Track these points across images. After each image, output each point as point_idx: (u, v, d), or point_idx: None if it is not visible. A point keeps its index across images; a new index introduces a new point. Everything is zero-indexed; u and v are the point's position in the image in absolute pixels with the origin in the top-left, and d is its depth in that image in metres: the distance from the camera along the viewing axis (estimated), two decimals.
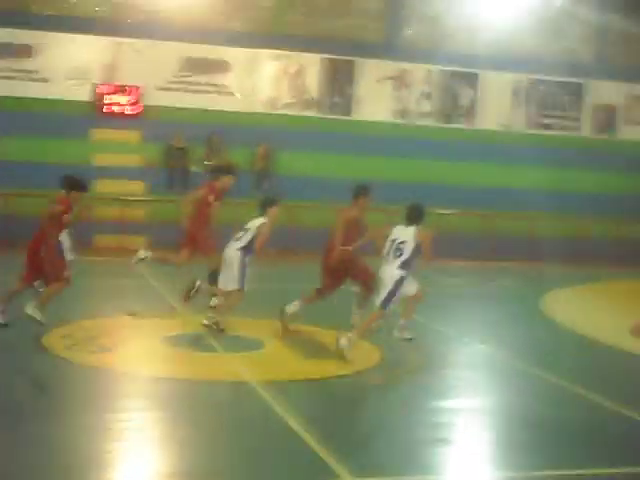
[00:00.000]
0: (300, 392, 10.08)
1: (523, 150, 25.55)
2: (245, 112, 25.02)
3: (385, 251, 11.82)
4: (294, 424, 8.55)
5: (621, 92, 27.84)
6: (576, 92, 27.57)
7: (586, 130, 27.79)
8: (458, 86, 26.83)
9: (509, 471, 7.95)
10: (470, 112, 26.80)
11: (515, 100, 27.07)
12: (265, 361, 11.29)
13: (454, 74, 26.79)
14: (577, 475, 7.86)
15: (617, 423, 9.60)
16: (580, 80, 27.61)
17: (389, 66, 26.13)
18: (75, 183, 12.00)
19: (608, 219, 24.04)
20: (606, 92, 27.67)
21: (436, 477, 7.68)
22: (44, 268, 11.85)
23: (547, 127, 27.40)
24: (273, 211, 12.65)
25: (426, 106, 26.56)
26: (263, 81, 25.54)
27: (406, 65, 26.22)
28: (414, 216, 11.98)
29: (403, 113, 26.31)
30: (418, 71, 26.45)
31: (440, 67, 26.60)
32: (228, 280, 12.30)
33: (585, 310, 17.17)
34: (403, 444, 8.41)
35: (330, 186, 22.69)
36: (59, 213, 11.80)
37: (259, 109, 25.44)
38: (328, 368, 10.92)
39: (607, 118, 27.87)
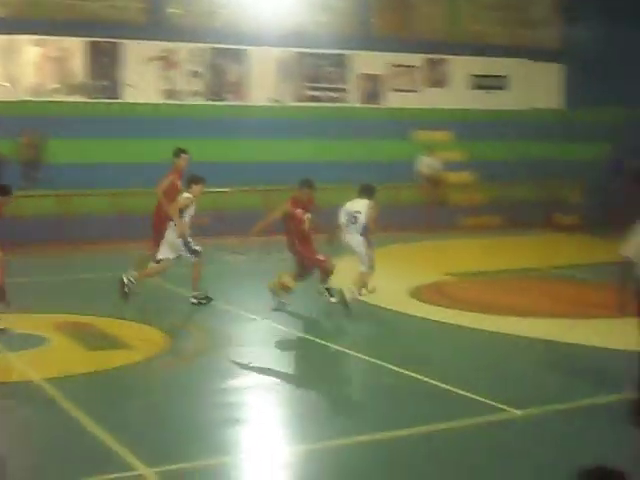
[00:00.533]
0: (88, 385, 9.89)
1: (294, 123, 25.92)
2: (7, 101, 24.07)
3: (343, 223, 13.96)
4: (84, 419, 8.39)
5: (384, 62, 28.61)
6: (341, 63, 28.12)
7: (353, 100, 28.41)
8: (226, 63, 26.82)
9: (303, 444, 8.08)
10: (239, 89, 26.87)
11: (283, 74, 27.32)
12: (49, 357, 10.99)
13: (221, 51, 26.74)
14: (376, 440, 8.08)
15: (405, 386, 9.94)
16: (344, 51, 28.15)
17: (155, 46, 25.79)
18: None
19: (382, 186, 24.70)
20: (370, 62, 28.37)
21: (232, 458, 7.72)
22: None
23: (315, 99, 27.82)
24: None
25: (195, 85, 26.42)
26: (25, 68, 24.66)
27: (172, 44, 25.96)
28: (367, 192, 14.23)
29: (172, 93, 26.08)
30: (185, 50, 26.24)
31: (207, 45, 26.48)
32: None
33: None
34: (196, 428, 8.40)
35: (105, 172, 22.31)
36: None
37: (23, 97, 24.55)
38: (115, 359, 10.77)
39: (372, 87, 28.60)
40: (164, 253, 13.90)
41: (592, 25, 29.91)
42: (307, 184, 14.06)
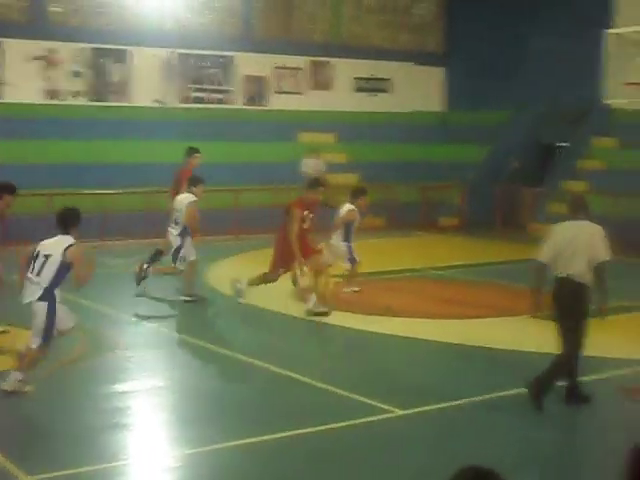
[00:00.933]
0: None
1: (178, 125, 25.79)
2: None
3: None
4: None
5: (268, 64, 28.68)
6: (225, 65, 28.08)
7: (238, 102, 28.41)
8: (108, 63, 26.51)
9: (187, 448, 8.11)
10: (122, 89, 26.59)
11: (166, 75, 27.13)
12: None
13: (103, 51, 26.41)
14: (260, 442, 8.16)
15: (288, 388, 10.06)
16: (229, 53, 28.11)
17: (37, 46, 25.34)
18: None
19: (262, 188, 24.81)
20: (254, 64, 28.41)
21: (116, 464, 7.70)
22: None
23: (199, 101, 27.71)
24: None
25: (77, 85, 26.03)
26: None
27: (53, 44, 25.53)
28: (356, 194, 15.65)
29: (54, 93, 25.65)
30: (66, 49, 25.84)
31: (88, 45, 26.12)
32: None
33: (248, 277, 17.66)
34: (79, 434, 8.36)
35: None
36: None
37: None
38: None
39: (257, 89, 28.65)
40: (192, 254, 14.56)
41: (475, 29, 30.62)
42: (315, 185, 14.42)
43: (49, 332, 9.21)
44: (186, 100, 27.46)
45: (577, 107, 26.82)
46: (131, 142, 24.84)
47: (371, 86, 30.70)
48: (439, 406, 9.26)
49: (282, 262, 14.07)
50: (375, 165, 27.65)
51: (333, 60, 29.84)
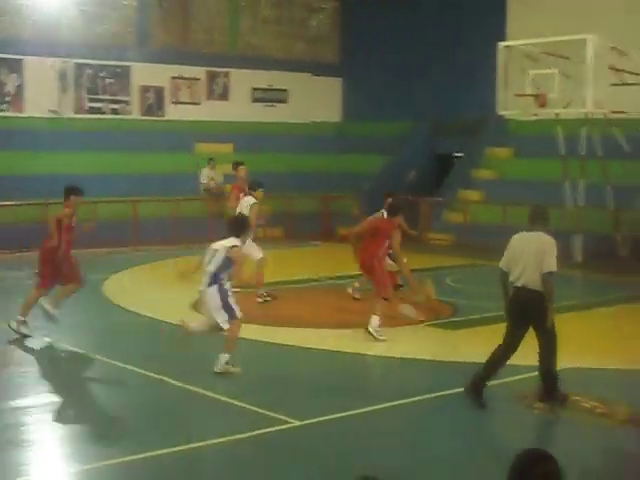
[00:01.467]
0: None
1: (74, 135, 25.49)
2: None
3: None
4: None
5: (165, 74, 28.53)
6: (122, 75, 27.84)
7: (135, 112, 28.19)
8: (3, 73, 26.06)
9: (84, 464, 8.01)
10: (17, 99, 26.16)
11: (61, 85, 26.77)
12: None
13: None
14: (159, 455, 8.11)
15: (187, 400, 10.02)
16: (125, 63, 27.88)
17: None
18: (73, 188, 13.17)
19: (160, 199, 24.67)
20: (151, 74, 28.23)
21: None
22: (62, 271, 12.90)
23: (96, 111, 27.41)
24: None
25: None
26: None
27: None
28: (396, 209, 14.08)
29: None
30: None
31: None
32: None
33: (147, 290, 17.55)
34: None
35: None
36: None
37: None
38: None
39: (154, 99, 28.46)
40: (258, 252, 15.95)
41: (371, 41, 30.95)
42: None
43: (229, 308, 10.75)
44: (82, 110, 27.14)
45: (472, 118, 27.35)
46: (24, 153, 24.43)
47: (269, 97, 30.80)
48: (337, 416, 9.32)
49: None
50: (273, 175, 27.64)
51: (230, 71, 29.86)
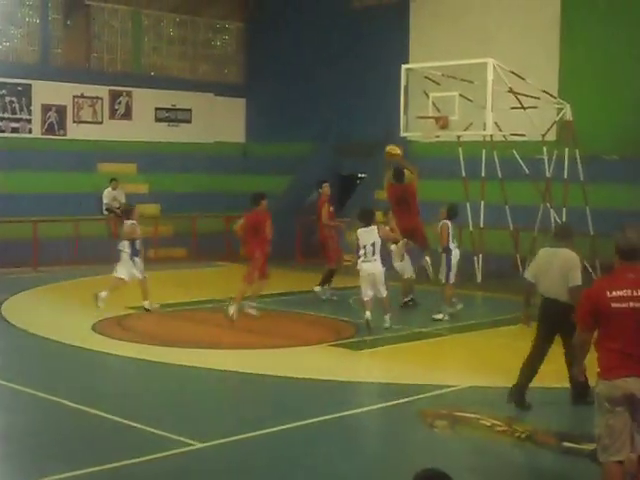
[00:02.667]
0: None
1: None
2: None
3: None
4: None
5: (67, 93, 28.15)
6: (23, 93, 27.39)
7: (36, 131, 27.74)
8: None
9: None
10: None
11: None
12: None
13: None
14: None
15: (87, 423, 9.87)
16: (28, 81, 27.45)
17: None
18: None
19: (61, 219, 24.31)
20: (53, 93, 27.84)
21: None
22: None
23: None
24: None
25: None
26: None
27: None
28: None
29: None
30: None
31: None
32: None
33: (47, 312, 17.26)
34: None
35: None
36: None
37: None
38: None
39: (56, 118, 28.05)
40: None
41: (274, 62, 31.09)
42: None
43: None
44: None
45: (375, 139, 27.60)
46: None
47: (172, 116, 30.64)
48: (239, 437, 9.29)
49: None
50: (177, 196, 27.62)
51: (133, 90, 29.61)
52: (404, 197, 17.44)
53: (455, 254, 16.43)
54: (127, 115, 29.60)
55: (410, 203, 17.46)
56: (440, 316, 16.18)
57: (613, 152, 23.41)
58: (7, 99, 27.17)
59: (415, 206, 17.64)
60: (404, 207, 17.41)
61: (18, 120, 27.43)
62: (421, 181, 25.74)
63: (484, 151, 21.08)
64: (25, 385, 11.30)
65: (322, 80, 29.60)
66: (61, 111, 28.22)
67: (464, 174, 21.56)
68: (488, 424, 9.68)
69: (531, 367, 10.45)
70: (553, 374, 10.73)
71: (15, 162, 25.64)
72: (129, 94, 29.55)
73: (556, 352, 10.41)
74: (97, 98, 28.88)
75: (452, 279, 16.33)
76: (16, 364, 13.06)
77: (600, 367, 6.92)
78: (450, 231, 16.39)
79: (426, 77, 20.56)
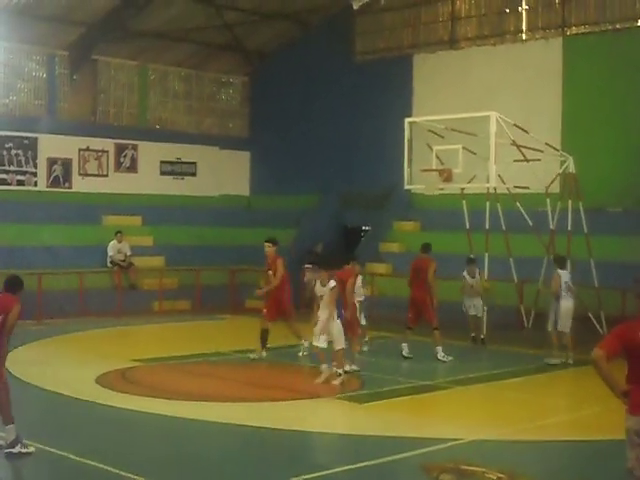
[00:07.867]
0: None
1: None
2: None
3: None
4: None
5: (73, 146, 28.33)
6: (29, 146, 27.57)
7: (42, 184, 27.87)
8: None
9: None
10: None
11: None
12: None
13: None
14: None
15: (88, 476, 9.81)
16: (34, 134, 27.64)
17: None
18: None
19: (66, 272, 24.36)
20: (59, 146, 28.03)
21: None
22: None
23: (2, 182, 27.04)
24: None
25: None
26: None
27: None
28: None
29: None
30: None
31: None
32: None
33: (50, 364, 17.21)
34: None
35: None
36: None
37: None
38: None
39: (62, 171, 28.20)
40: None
41: (278, 116, 31.33)
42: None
43: None
44: None
45: (379, 192, 27.76)
46: None
47: (177, 169, 30.81)
48: None
49: None
50: (182, 248, 27.67)
51: (139, 143, 29.80)
52: (422, 267, 18.14)
53: (564, 303, 17.37)
54: (132, 168, 29.76)
55: (421, 277, 18.02)
56: (555, 361, 17.29)
57: (617, 204, 23.51)
58: (13, 152, 27.34)
59: (426, 280, 17.93)
60: (418, 278, 18.12)
61: (24, 173, 27.58)
62: (425, 233, 25.95)
63: (488, 203, 21.12)
64: (28, 437, 11.24)
65: (326, 133, 29.82)
66: (67, 164, 28.39)
67: (468, 226, 21.62)
68: (494, 478, 9.62)
69: None
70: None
71: (20, 214, 25.73)
72: (135, 147, 29.75)
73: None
74: (103, 151, 29.07)
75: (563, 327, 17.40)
76: (19, 417, 12.99)
77: (629, 403, 7.01)
78: (562, 280, 17.44)
79: (430, 130, 20.68)
